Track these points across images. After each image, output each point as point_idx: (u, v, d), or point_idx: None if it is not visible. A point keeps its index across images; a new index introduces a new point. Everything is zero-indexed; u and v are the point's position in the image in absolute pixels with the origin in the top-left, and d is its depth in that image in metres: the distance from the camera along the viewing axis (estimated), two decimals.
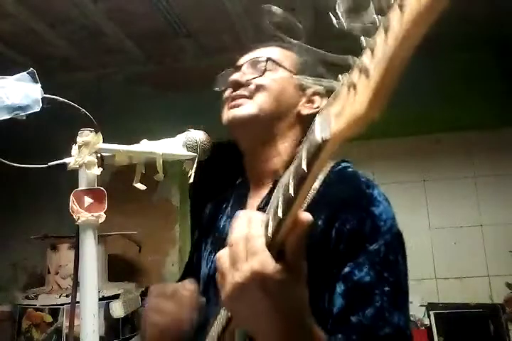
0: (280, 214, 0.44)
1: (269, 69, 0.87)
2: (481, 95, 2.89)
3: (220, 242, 0.87)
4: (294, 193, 0.42)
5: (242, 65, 0.92)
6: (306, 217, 0.46)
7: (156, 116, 3.17)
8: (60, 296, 2.41)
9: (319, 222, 0.72)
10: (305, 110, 0.87)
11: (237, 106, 0.86)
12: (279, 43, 0.92)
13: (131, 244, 3.14)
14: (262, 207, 0.80)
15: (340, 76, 0.37)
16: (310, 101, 0.88)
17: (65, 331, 2.35)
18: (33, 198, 3.30)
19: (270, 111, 0.84)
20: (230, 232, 0.51)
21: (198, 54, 3.04)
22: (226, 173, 4.12)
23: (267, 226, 0.47)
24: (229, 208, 0.94)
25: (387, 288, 0.65)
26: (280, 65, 0.87)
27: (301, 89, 0.87)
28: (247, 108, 0.84)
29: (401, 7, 0.29)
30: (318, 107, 0.86)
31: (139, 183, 0.85)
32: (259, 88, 0.85)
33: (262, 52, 0.91)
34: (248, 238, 0.48)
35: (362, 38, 0.33)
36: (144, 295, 2.79)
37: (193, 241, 1.06)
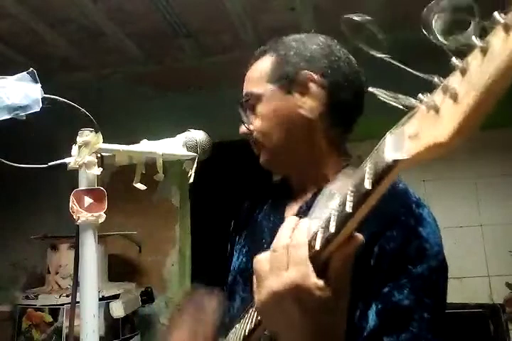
0: (332, 229, 0.43)
1: (256, 103, 0.83)
2: None
3: (254, 237, 0.88)
4: (352, 210, 0.41)
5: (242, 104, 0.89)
6: (359, 237, 0.46)
7: (156, 116, 3.17)
8: (60, 296, 2.41)
9: (363, 237, 0.69)
10: (304, 110, 0.80)
11: (258, 154, 0.86)
12: (256, 55, 0.87)
13: (131, 244, 3.14)
14: (304, 211, 0.78)
15: (420, 95, 0.34)
16: (303, 93, 0.80)
17: (65, 331, 2.35)
18: (33, 198, 3.30)
19: (281, 139, 0.82)
20: (276, 237, 0.50)
21: (198, 54, 3.04)
22: (226, 173, 4.13)
23: (313, 237, 0.46)
24: (267, 206, 0.93)
25: (426, 315, 0.63)
26: (259, 95, 0.82)
27: (288, 91, 0.80)
28: (264, 156, 0.85)
29: (507, 30, 0.26)
30: (317, 96, 0.78)
31: (139, 183, 0.85)
32: (259, 132, 0.83)
33: (246, 85, 0.87)
34: (293, 246, 0.47)
35: (453, 58, 0.31)
36: (143, 295, 2.79)
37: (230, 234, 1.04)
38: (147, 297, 2.80)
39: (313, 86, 0.79)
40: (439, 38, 0.32)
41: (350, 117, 0.83)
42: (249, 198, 1.04)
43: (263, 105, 0.82)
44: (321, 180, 0.79)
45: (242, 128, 0.86)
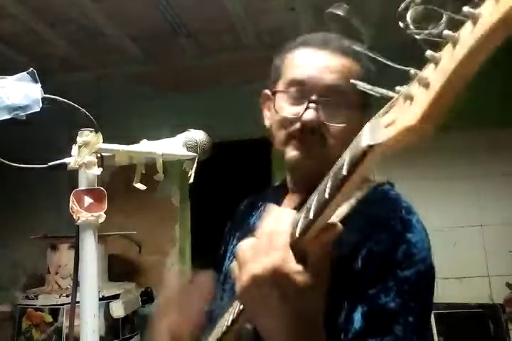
0: (311, 215, 0.45)
1: (344, 104, 0.76)
2: (482, 96, 2.88)
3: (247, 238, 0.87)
4: (329, 196, 0.42)
5: (313, 86, 0.77)
6: (338, 224, 0.47)
7: (156, 116, 3.17)
8: (60, 296, 2.41)
9: (351, 239, 0.68)
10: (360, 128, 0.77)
11: (307, 153, 0.77)
12: (343, 46, 0.77)
13: (131, 244, 3.14)
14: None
15: (398, 87, 0.36)
16: (366, 111, 0.77)
17: (65, 331, 2.35)
18: (33, 198, 3.31)
19: (341, 147, 0.75)
20: (261, 225, 0.52)
21: (198, 54, 3.04)
22: (226, 173, 4.12)
23: (295, 225, 0.48)
24: (263, 207, 0.92)
25: (411, 319, 0.64)
26: (353, 99, 0.75)
27: (364, 107, 0.77)
28: (313, 153, 0.76)
29: (474, 21, 0.28)
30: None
31: (139, 183, 0.85)
32: (335, 132, 0.76)
33: (337, 74, 0.76)
34: (274, 233, 0.49)
35: (428, 51, 0.33)
36: (143, 295, 2.79)
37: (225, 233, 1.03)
38: (147, 297, 2.80)
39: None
40: (414, 30, 0.34)
41: None
42: (246, 200, 1.04)
43: (352, 111, 0.76)
44: (317, 183, 0.78)
45: (313, 114, 0.75)
